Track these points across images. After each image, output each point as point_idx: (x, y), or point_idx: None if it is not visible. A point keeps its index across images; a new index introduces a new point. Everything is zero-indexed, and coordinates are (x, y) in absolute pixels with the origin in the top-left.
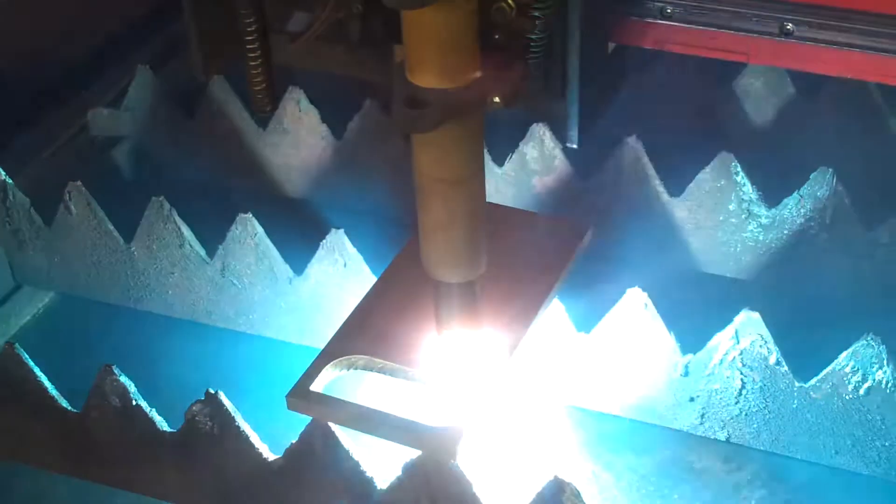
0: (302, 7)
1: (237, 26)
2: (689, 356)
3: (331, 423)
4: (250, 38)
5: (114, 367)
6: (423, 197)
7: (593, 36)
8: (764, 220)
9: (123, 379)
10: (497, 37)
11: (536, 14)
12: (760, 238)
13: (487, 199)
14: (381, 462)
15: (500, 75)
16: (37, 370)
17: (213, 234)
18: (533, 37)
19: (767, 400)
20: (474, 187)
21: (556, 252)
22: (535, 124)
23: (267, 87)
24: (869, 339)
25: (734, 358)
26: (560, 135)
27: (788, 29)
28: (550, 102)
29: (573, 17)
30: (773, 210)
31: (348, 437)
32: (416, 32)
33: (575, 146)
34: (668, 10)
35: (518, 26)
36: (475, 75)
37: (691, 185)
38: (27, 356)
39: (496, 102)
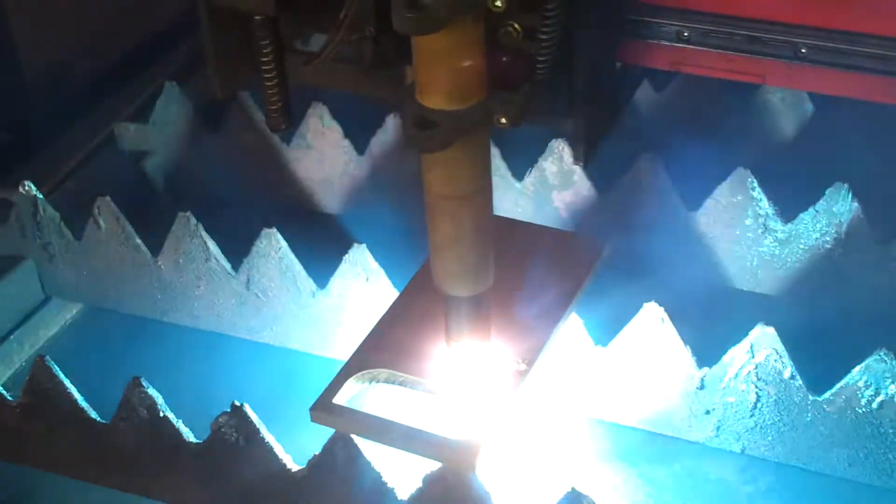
0: (317, 28)
1: (254, 46)
2: (705, 369)
3: (353, 436)
4: (266, 58)
5: (142, 380)
6: (431, 213)
7: (600, 57)
8: (780, 235)
9: (151, 391)
10: (504, 59)
11: (543, 37)
12: (776, 252)
13: (506, 215)
14: (402, 474)
15: (506, 97)
16: (67, 382)
17: (238, 248)
18: (539, 59)
19: (782, 413)
20: (481, 204)
21: (575, 267)
22: (554, 140)
23: (282, 106)
24: (882, 353)
25: (749, 372)
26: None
27: (802, 52)
28: (558, 123)
29: (580, 40)
30: (790, 225)
31: (370, 449)
32: (425, 56)
33: (583, 164)
34: (686, 34)
35: (525, 49)
36: (482, 97)
37: (708, 199)
38: (57, 368)
39: (503, 123)
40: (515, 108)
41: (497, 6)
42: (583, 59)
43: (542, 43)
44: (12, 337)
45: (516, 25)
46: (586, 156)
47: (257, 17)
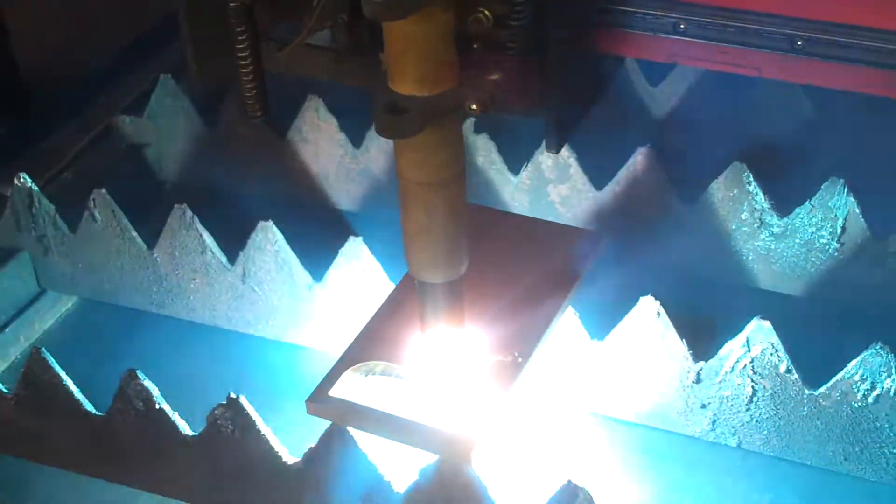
0: (292, 16)
1: (230, 34)
2: (701, 363)
3: (349, 428)
4: (241, 45)
5: (138, 372)
6: (405, 200)
7: (572, 46)
8: (776, 229)
9: (147, 383)
10: (475, 46)
11: (513, 24)
12: (772, 247)
13: (502, 208)
14: (399, 466)
15: (477, 83)
16: (62, 374)
17: (234, 241)
18: (510, 46)
19: (778, 407)
20: (454, 190)
21: (571, 261)
22: None
23: (258, 93)
24: (878, 347)
25: (745, 365)
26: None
27: (799, 44)
28: (530, 110)
29: (551, 28)
30: (785, 219)
31: (366, 441)
32: (396, 42)
33: (555, 152)
34: (682, 26)
35: (495, 36)
36: (453, 83)
37: (704, 194)
38: (53, 360)
39: (473, 109)
40: (486, 94)
41: None
42: (555, 47)
43: (513, 30)
44: (8, 329)
45: (487, 12)
46: (559, 144)
47: (233, 5)
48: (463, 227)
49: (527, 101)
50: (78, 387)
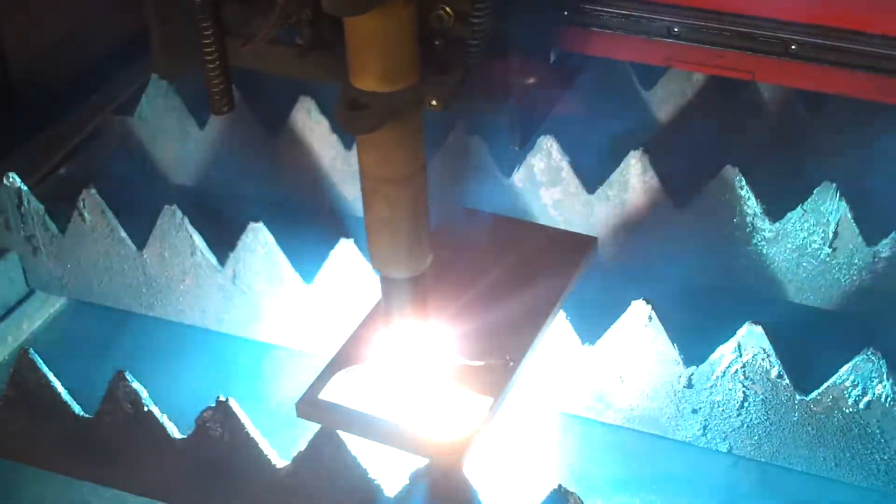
0: (256, 11)
1: (196, 28)
2: (693, 368)
3: (339, 431)
4: (207, 40)
5: (126, 373)
6: (367, 195)
7: (534, 43)
8: (768, 234)
9: (136, 385)
10: (437, 42)
11: (474, 20)
12: (764, 251)
13: (496, 212)
14: (389, 470)
15: (438, 79)
16: (50, 376)
17: (224, 243)
18: (471, 43)
19: (769, 412)
20: (415, 186)
21: (564, 264)
22: (542, 136)
23: (224, 88)
24: (869, 353)
25: (737, 370)
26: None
27: (793, 49)
28: (491, 106)
29: (512, 24)
30: (777, 224)
31: (356, 445)
32: (357, 37)
33: (517, 148)
34: (676, 30)
35: (457, 32)
36: (414, 79)
37: (696, 198)
38: (41, 362)
39: (433, 105)
40: (447, 91)
41: None
42: (517, 44)
43: (474, 27)
44: None
45: (448, 9)
46: (522, 140)
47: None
48: (425, 222)
49: (489, 97)
50: (66, 388)
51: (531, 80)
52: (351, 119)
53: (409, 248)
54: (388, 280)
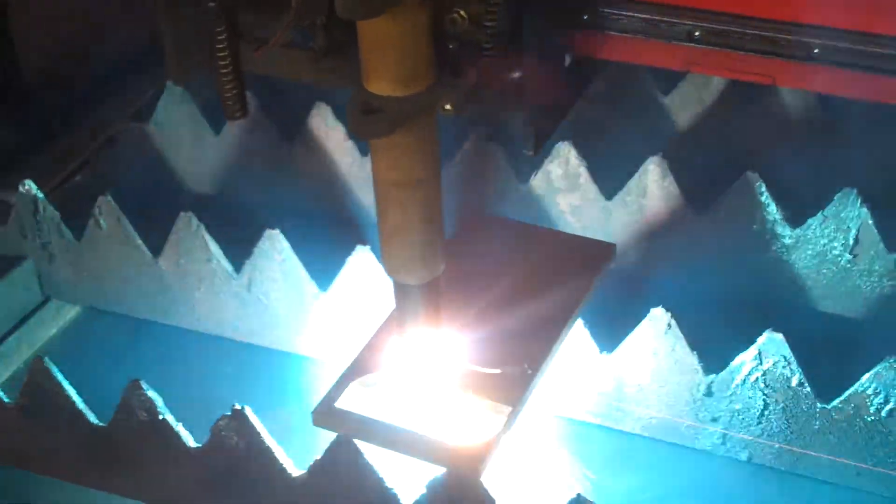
0: (270, 15)
1: (208, 33)
2: (712, 376)
3: (356, 440)
4: (220, 45)
5: (141, 382)
6: (380, 200)
7: (548, 47)
8: (788, 241)
9: (151, 393)
10: (451, 46)
11: (488, 24)
12: (784, 258)
13: (514, 218)
14: (406, 479)
15: (452, 83)
16: (65, 384)
17: (240, 250)
18: (485, 46)
19: (790, 421)
20: (429, 190)
21: (583, 271)
22: (560, 142)
23: (237, 93)
24: (892, 361)
25: (757, 378)
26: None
27: (815, 52)
28: (506, 110)
29: (527, 28)
30: (797, 230)
31: (373, 454)
32: (370, 41)
33: (531, 154)
34: (696, 34)
35: (471, 36)
36: (428, 83)
37: (716, 204)
38: (56, 369)
39: (447, 109)
40: (461, 95)
41: None
42: (531, 48)
43: (488, 31)
44: (11, 338)
45: (462, 12)
46: (537, 146)
47: (212, 4)
48: (439, 228)
49: (503, 102)
50: (80, 396)
51: (545, 85)
52: (364, 123)
53: (422, 253)
54: (400, 286)
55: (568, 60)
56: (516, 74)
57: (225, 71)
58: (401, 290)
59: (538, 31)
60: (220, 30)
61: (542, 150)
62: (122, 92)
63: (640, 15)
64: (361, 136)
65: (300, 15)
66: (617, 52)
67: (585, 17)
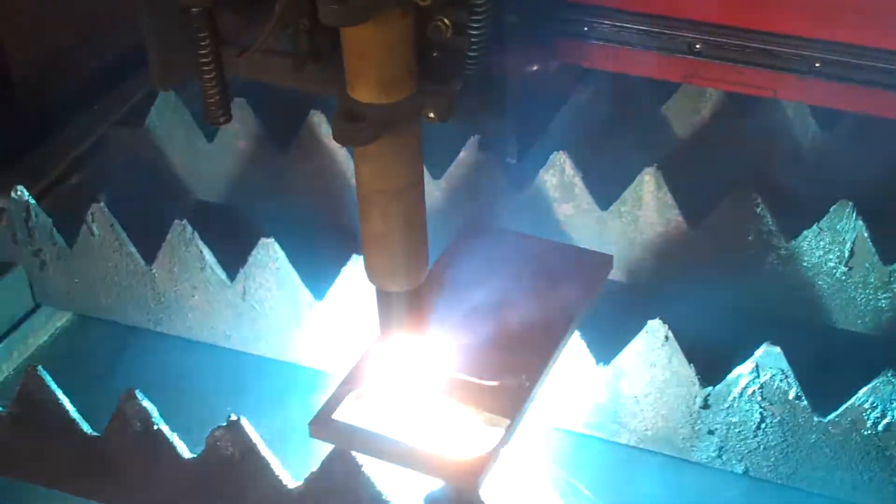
0: (253, 21)
1: (192, 38)
2: (709, 389)
3: (352, 452)
4: (203, 50)
5: (136, 391)
6: (363, 207)
7: (531, 55)
8: (783, 252)
9: (146, 403)
10: (434, 54)
11: (472, 33)
12: (779, 270)
13: (509, 229)
14: (403, 491)
15: (435, 91)
16: (59, 393)
17: (234, 258)
18: (469, 55)
19: (786, 434)
20: (412, 198)
21: (580, 282)
22: (555, 152)
23: (220, 98)
24: (889, 375)
25: (754, 391)
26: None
27: (817, 66)
28: (489, 119)
29: (509, 36)
30: (793, 242)
31: (370, 465)
32: (354, 48)
33: (514, 161)
34: (697, 46)
35: (454, 44)
36: (411, 91)
37: (711, 215)
38: (50, 378)
39: (431, 118)
40: (444, 103)
41: (423, 1)
42: (514, 56)
43: (472, 39)
44: (1, 345)
45: (446, 20)
46: (520, 153)
47: (195, 9)
48: (422, 235)
49: (487, 109)
50: (73, 405)
51: (528, 92)
52: (347, 131)
53: (405, 261)
54: (383, 293)
55: (552, 68)
56: (500, 82)
57: (208, 76)
58: (384, 297)
59: (521, 38)
60: (203, 35)
61: (524, 156)
62: (111, 94)
63: (640, 27)
64: (344, 143)
65: (283, 20)
66: (616, 64)
67: (586, 29)
